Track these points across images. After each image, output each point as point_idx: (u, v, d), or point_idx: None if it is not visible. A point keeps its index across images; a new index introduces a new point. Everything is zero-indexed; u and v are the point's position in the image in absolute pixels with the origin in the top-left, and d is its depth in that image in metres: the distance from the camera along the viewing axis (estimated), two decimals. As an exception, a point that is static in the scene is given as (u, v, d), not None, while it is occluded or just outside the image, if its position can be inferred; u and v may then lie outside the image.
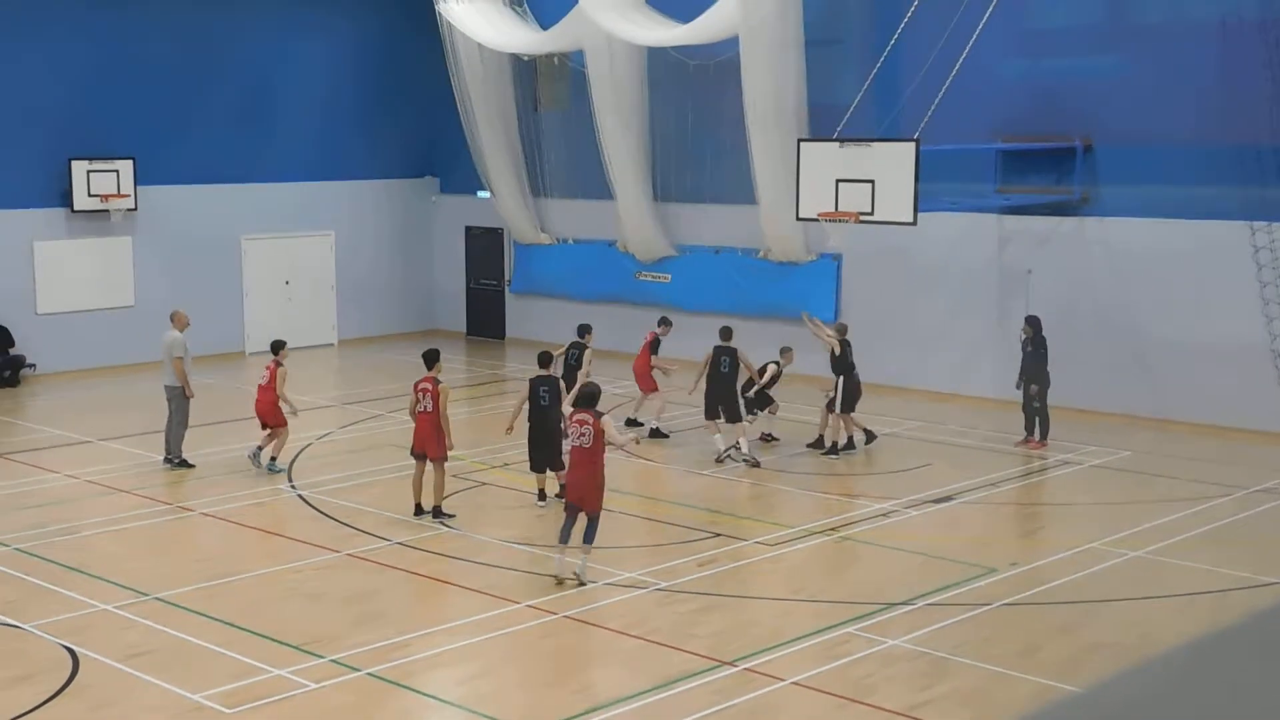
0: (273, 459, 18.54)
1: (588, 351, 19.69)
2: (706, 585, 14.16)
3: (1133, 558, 15.06)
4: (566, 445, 14.91)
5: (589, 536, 13.97)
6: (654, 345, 21.23)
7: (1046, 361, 19.69)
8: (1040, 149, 22.09)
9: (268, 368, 18.55)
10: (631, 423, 20.72)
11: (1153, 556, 15.10)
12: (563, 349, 19.67)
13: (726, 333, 19.91)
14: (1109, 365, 21.78)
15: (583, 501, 14.01)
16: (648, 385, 21.07)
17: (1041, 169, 22.27)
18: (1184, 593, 14.02)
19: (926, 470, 18.50)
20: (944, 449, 19.95)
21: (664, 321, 21.55)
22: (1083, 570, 14.62)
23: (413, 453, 16.30)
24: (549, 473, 16.79)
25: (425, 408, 16.02)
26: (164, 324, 26.84)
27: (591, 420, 13.93)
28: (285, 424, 18.46)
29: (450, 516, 16.08)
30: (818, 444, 19.67)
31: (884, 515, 16.73)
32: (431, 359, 16.48)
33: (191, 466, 18.78)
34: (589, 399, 14.33)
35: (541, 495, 16.86)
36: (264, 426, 18.58)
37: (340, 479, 18.24)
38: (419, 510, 16.22)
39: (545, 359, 17.20)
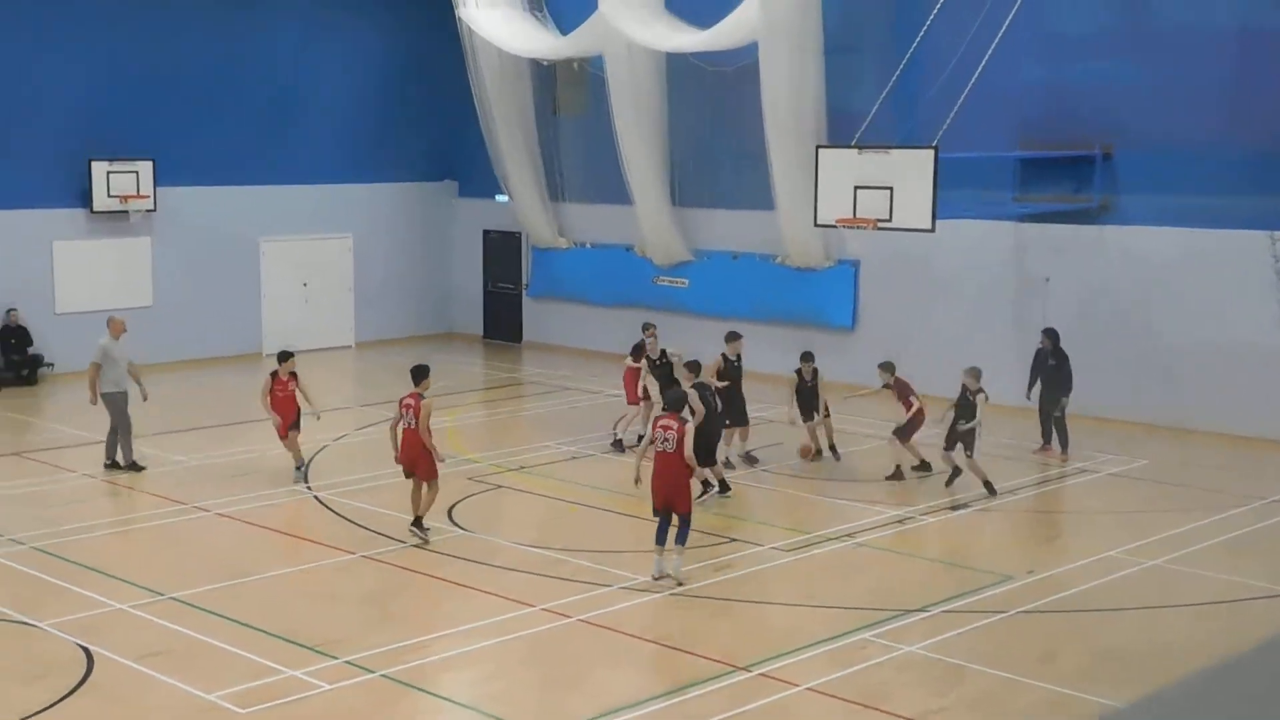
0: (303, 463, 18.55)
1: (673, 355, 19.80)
2: (722, 590, 14.14)
3: (1150, 566, 15.00)
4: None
5: (681, 538, 14.08)
6: (636, 351, 20.29)
7: (1070, 373, 19.65)
8: (1059, 156, 22.03)
9: (282, 379, 18.27)
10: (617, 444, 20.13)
11: (1170, 565, 15.04)
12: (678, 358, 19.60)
13: (808, 356, 19.79)
14: (1127, 373, 21.70)
15: (672, 503, 14.04)
16: (633, 396, 20.23)
17: (1060, 176, 22.20)
18: (1201, 602, 13.95)
19: (943, 477, 18.44)
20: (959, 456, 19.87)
21: (648, 326, 20.67)
22: (1100, 578, 14.56)
23: (405, 472, 15.83)
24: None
25: (409, 424, 15.59)
26: (183, 325, 27.20)
27: (676, 425, 14.02)
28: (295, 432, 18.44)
29: (427, 530, 15.51)
30: (896, 475, 18.68)
31: (900, 522, 16.69)
32: (419, 375, 15.93)
33: (142, 469, 18.80)
34: (676, 403, 14.54)
35: (706, 486, 17.06)
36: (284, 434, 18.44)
37: (356, 481, 18.26)
38: (417, 522, 15.67)
39: (695, 367, 17.76)
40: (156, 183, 26.50)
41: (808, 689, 11.55)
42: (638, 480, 14.70)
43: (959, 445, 17.74)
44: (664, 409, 14.67)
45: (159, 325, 27.08)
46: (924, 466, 18.75)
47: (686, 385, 17.02)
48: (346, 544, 15.42)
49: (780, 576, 14.80)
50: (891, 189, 19.50)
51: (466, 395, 24.99)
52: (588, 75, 28.12)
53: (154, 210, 26.70)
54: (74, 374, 25.52)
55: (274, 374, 18.33)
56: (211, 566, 14.77)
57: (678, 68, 26.18)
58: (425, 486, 15.64)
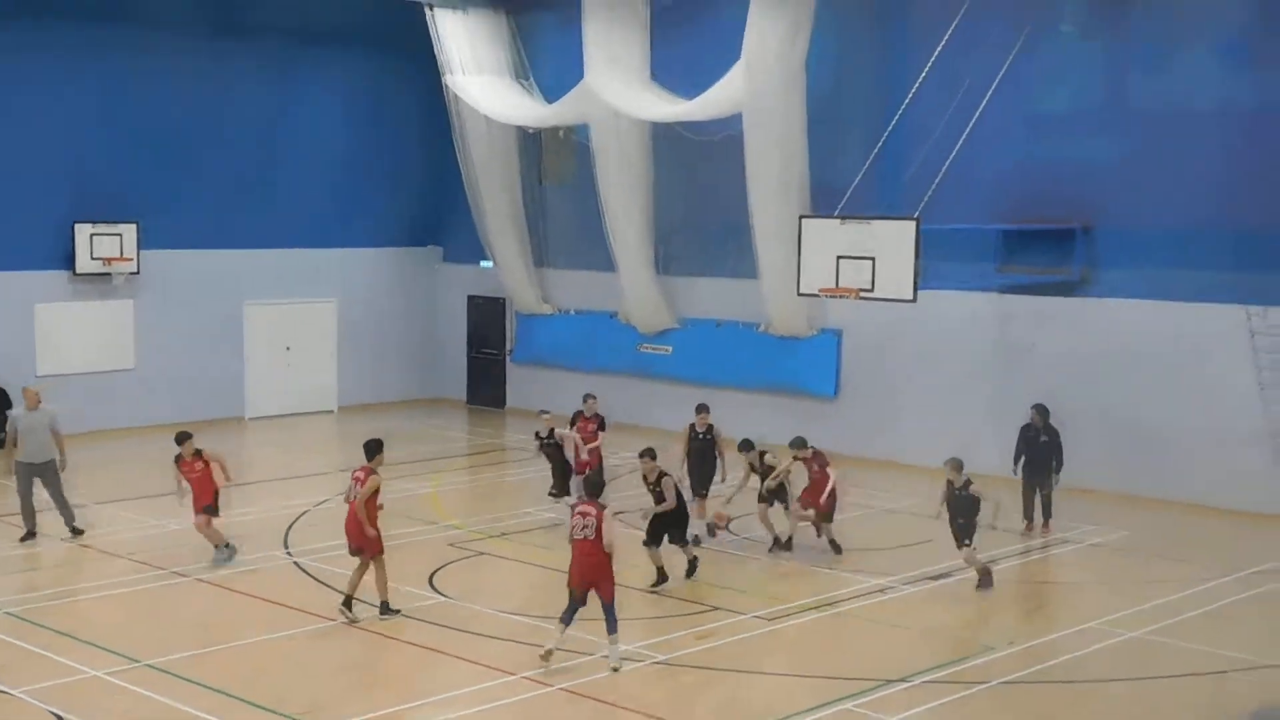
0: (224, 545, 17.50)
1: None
2: (705, 659, 14.07)
3: (1131, 638, 14.96)
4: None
5: (612, 625, 13.67)
6: (573, 421, 20.26)
7: (1061, 448, 19.49)
8: (1040, 230, 22.20)
9: (187, 461, 17.21)
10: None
11: (1152, 637, 15.01)
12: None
13: (702, 407, 19.51)
14: (1108, 444, 21.75)
15: (596, 589, 13.67)
16: (579, 465, 19.65)
17: (1042, 249, 22.36)
18: (1183, 673, 13.92)
19: (925, 547, 18.41)
20: (943, 525, 19.80)
21: (588, 397, 20.82)
22: (1081, 649, 14.53)
23: (350, 550, 15.18)
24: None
25: (353, 497, 14.97)
26: (166, 388, 27.11)
27: (595, 511, 13.69)
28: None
29: (396, 613, 15.04)
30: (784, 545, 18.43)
31: (881, 591, 16.65)
32: (372, 450, 15.17)
33: (81, 532, 18.66)
34: (595, 489, 14.23)
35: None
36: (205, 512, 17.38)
37: (336, 547, 18.10)
38: (348, 603, 14.90)
39: (652, 453, 17.18)
40: (140, 245, 26.52)
41: (789, 760, 11.47)
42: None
43: (974, 541, 16.73)
44: (583, 495, 14.15)
45: (141, 388, 27.02)
46: (787, 545, 18.22)
47: (650, 473, 16.47)
48: (326, 610, 15.31)
49: (762, 646, 14.74)
50: (874, 259, 19.62)
51: (449, 461, 24.92)
52: (574, 143, 28.31)
53: (137, 273, 26.71)
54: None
55: (177, 458, 17.28)
56: (189, 632, 14.65)
57: (663, 137, 26.38)
58: (372, 564, 14.99)
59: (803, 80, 23.84)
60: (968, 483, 16.64)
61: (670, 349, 27.32)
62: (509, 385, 30.56)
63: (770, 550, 18.21)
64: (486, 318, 30.95)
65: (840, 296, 20.34)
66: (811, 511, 18.00)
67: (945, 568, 17.52)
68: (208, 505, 17.21)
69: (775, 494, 18.31)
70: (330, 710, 12.40)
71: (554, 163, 29.34)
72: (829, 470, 18.00)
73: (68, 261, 25.99)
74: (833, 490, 17.91)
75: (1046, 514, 19.66)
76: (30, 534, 18.49)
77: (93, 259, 26.08)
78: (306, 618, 15.20)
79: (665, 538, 16.51)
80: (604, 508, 13.78)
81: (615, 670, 13.52)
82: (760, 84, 23.66)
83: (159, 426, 26.64)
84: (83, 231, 25.91)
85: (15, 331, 25.67)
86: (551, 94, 27.84)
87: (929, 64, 20.95)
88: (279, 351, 29.23)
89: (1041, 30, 22.06)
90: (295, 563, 17.54)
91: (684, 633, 14.89)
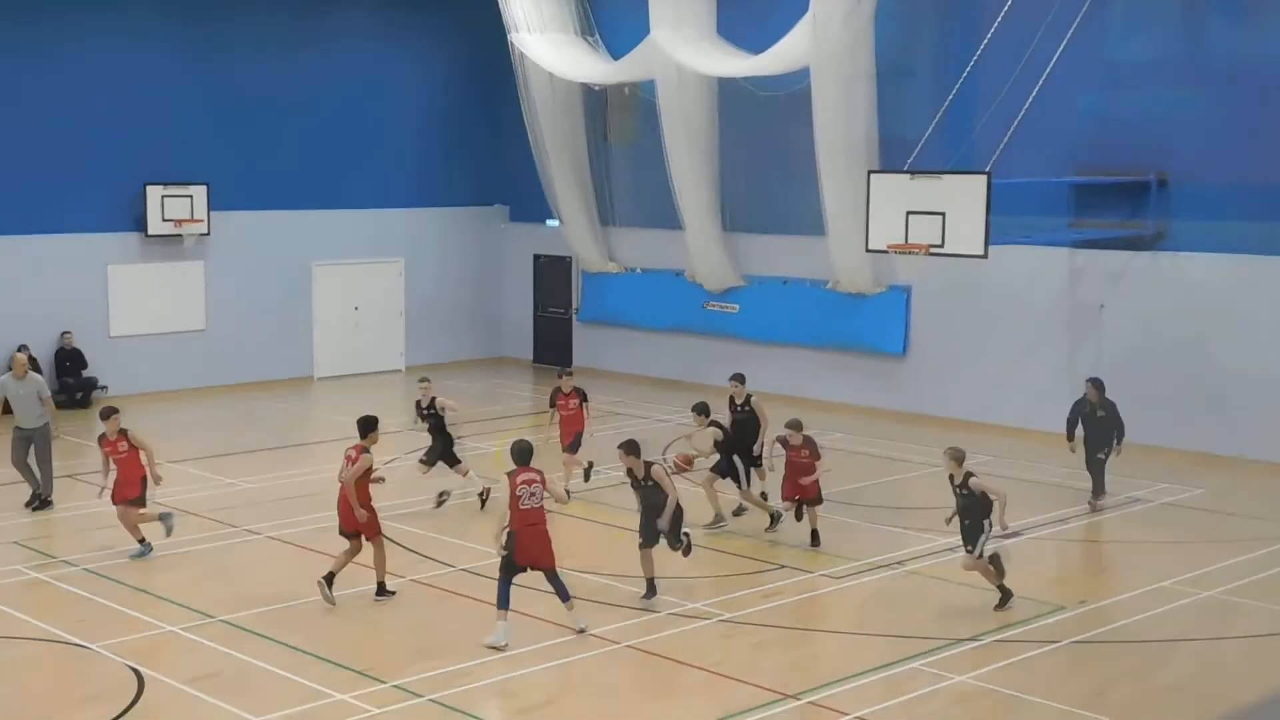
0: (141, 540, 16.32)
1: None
2: (771, 617, 14.04)
3: (1205, 597, 14.78)
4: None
5: (564, 593, 13.36)
6: (552, 398, 19.31)
7: (1121, 421, 18.42)
8: (1114, 183, 21.84)
9: (110, 440, 16.05)
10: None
11: (1226, 596, 14.81)
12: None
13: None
14: (1183, 402, 21.45)
15: (538, 561, 13.26)
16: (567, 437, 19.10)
17: (1115, 203, 22.00)
18: (1257, 634, 13.72)
19: (994, 506, 18.22)
20: (1013, 485, 19.62)
21: (563, 373, 19.78)
22: (1153, 610, 14.37)
23: (342, 531, 14.54)
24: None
25: (344, 476, 14.36)
26: (236, 349, 27.40)
27: (539, 478, 13.31)
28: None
29: (392, 594, 14.48)
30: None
31: (951, 550, 16.50)
32: (366, 426, 14.63)
33: (49, 505, 18.29)
34: (525, 455, 13.46)
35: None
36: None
37: (404, 505, 18.28)
38: (329, 579, 14.26)
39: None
40: (210, 207, 26.74)
41: (857, 718, 11.44)
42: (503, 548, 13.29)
43: (978, 548, 14.35)
44: (517, 464, 13.36)
45: (212, 349, 27.31)
46: (732, 515, 17.51)
47: (637, 469, 14.34)
48: (395, 568, 15.40)
49: (829, 604, 14.69)
50: (944, 215, 19.38)
51: (515, 420, 25.00)
52: (639, 100, 28.17)
53: (208, 235, 26.94)
54: (127, 397, 25.77)
55: (101, 436, 16.24)
56: (262, 590, 14.81)
57: (729, 93, 26.19)
58: (372, 545, 14.38)
59: (871, 34, 23.57)
60: (968, 477, 14.23)
61: (737, 307, 27.20)
62: (575, 344, 30.58)
63: (712, 525, 17.17)
64: (552, 277, 30.96)
65: (909, 252, 20.12)
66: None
67: (1015, 526, 17.34)
68: (135, 497, 16.02)
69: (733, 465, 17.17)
70: (398, 666, 12.50)
71: (619, 120, 29.23)
72: (818, 463, 16.45)
73: (139, 223, 26.26)
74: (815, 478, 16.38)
75: (1100, 489, 18.73)
76: (35, 497, 18.30)
77: (164, 220, 26.33)
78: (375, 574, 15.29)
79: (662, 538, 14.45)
80: (542, 472, 13.34)
81: (582, 631, 13.29)
82: (827, 39, 23.41)
83: (229, 387, 27.05)
84: (154, 193, 26.16)
85: (89, 293, 25.99)
86: (616, 51, 27.71)
87: (1001, 15, 20.59)
88: (347, 311, 29.41)
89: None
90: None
91: (750, 591, 14.86)
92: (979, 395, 23.72)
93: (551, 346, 31.05)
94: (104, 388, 25.88)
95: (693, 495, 16.83)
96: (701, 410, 17.14)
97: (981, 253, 19.34)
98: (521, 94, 28.59)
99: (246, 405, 26.11)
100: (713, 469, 17.28)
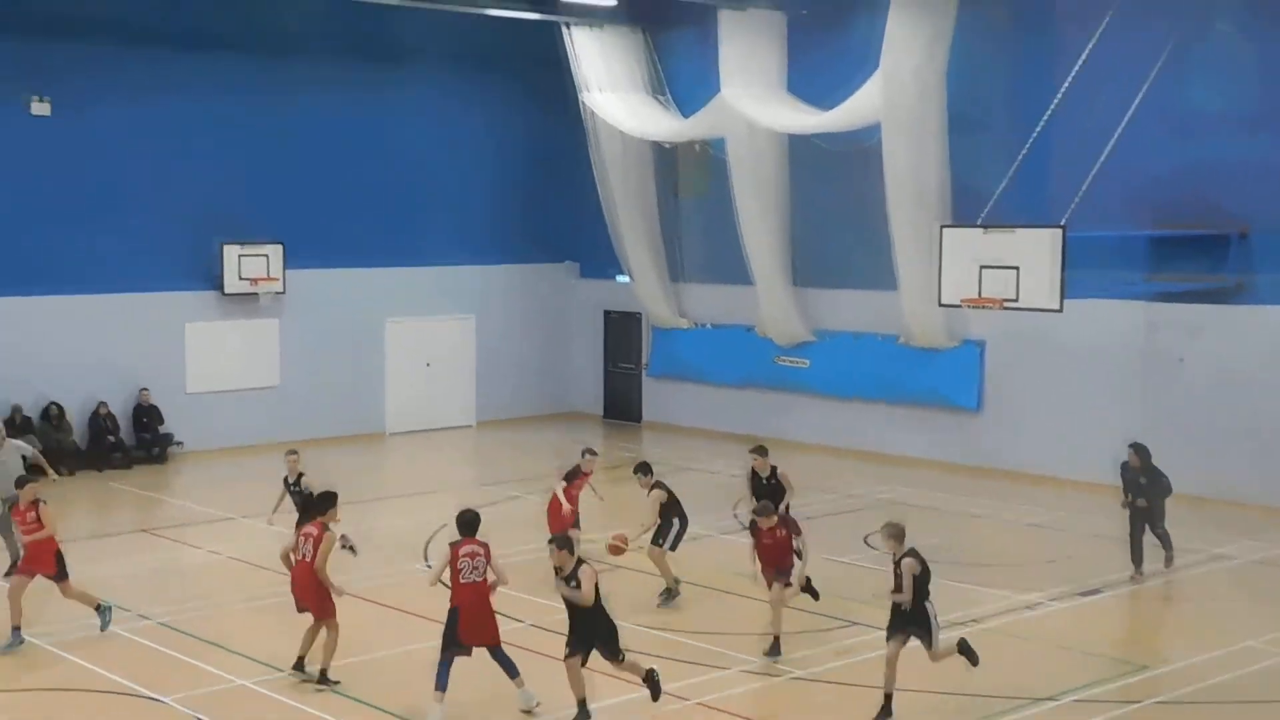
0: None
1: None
2: (844, 675, 13.84)
3: (1294, 658, 14.41)
4: None
5: (512, 669, 12.83)
6: (571, 476, 17.82)
7: (1168, 487, 17.46)
8: (1192, 236, 21.53)
9: (19, 510, 14.97)
10: None
11: (1315, 657, 14.43)
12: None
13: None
14: (1264, 457, 21.01)
15: (483, 639, 12.76)
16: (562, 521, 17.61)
17: (1194, 255, 21.68)
18: (1350, 696, 13.35)
19: (1071, 561, 17.94)
20: (1090, 541, 19.37)
21: (587, 452, 18.09)
22: (1239, 669, 14.02)
23: (299, 608, 13.85)
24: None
25: (305, 554, 13.57)
26: (309, 404, 27.61)
27: (483, 550, 12.86)
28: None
29: (335, 683, 13.50)
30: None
31: (1028, 607, 16.24)
32: (324, 502, 13.93)
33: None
34: (471, 525, 12.98)
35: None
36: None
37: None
38: (299, 664, 13.67)
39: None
40: (286, 265, 27.06)
41: (934, 779, 11.22)
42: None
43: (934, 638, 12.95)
44: (462, 534, 12.86)
45: (286, 404, 27.53)
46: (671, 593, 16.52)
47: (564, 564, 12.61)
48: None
49: (902, 661, 14.43)
50: (1018, 268, 19.24)
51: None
52: (709, 157, 28.24)
53: (283, 292, 27.24)
54: (203, 452, 26.03)
55: (10, 505, 15.49)
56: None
57: (799, 148, 26.19)
58: (324, 629, 13.64)
59: (942, 87, 23.49)
60: (909, 554, 12.84)
61: (808, 362, 27.07)
62: (645, 399, 30.56)
63: (661, 597, 16.47)
64: (622, 332, 31.00)
65: (983, 307, 19.96)
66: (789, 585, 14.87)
67: (1094, 584, 17.04)
68: (51, 574, 14.92)
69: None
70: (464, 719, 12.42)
71: (689, 176, 29.31)
72: (796, 541, 15.00)
73: (216, 281, 26.60)
74: (786, 549, 14.83)
75: (1167, 549, 17.78)
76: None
77: (240, 279, 26.66)
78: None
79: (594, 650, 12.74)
80: (487, 545, 12.91)
81: (530, 713, 12.68)
82: (898, 95, 23.36)
83: (303, 442, 27.16)
84: (231, 252, 26.51)
85: (167, 350, 26.31)
86: (687, 108, 27.83)
87: (1076, 67, 20.45)
88: (419, 367, 29.58)
89: (1195, 29, 21.39)
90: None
91: (823, 648, 14.66)
92: (1054, 450, 23.39)
93: (621, 401, 31.04)
94: (180, 443, 26.15)
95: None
96: (643, 470, 16.55)
97: (1056, 306, 19.16)
98: (592, 151, 28.76)
99: (319, 460, 26.21)
100: (653, 540, 16.48)
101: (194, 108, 26.14)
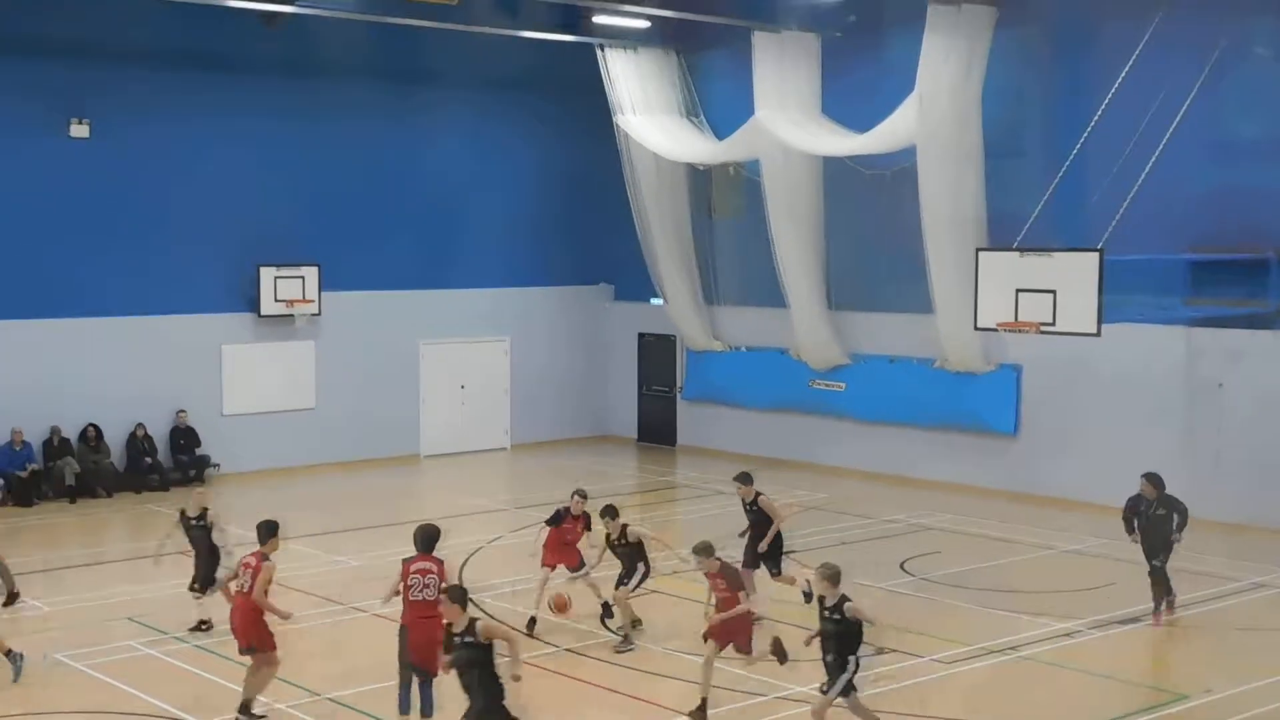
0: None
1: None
2: (881, 703, 13.71)
3: (1337, 688, 14.20)
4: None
5: (429, 706, 12.47)
6: (558, 519, 16.74)
7: (1184, 520, 16.84)
8: (1232, 260, 21.35)
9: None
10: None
11: (1359, 688, 14.22)
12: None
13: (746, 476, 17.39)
14: (1305, 484, 20.78)
15: (427, 663, 12.20)
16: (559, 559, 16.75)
17: (1234, 280, 21.50)
18: (1395, 728, 13.15)
19: (1111, 589, 17.77)
20: (1129, 568, 19.15)
21: (576, 494, 17.01)
22: (1282, 700, 13.83)
23: (241, 649, 13.27)
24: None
25: (243, 586, 13.09)
26: (345, 426, 27.69)
27: (436, 568, 12.56)
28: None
29: (262, 717, 13.07)
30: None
31: (1067, 635, 16.09)
32: (265, 532, 13.37)
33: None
34: (428, 541, 12.65)
35: None
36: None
37: (509, 583, 18.22)
38: (246, 708, 13.04)
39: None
40: (322, 288, 27.16)
41: (972, 810, 11.10)
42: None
43: (835, 686, 12.29)
44: (419, 550, 12.55)
45: (321, 427, 27.60)
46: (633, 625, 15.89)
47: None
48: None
49: (940, 690, 14.33)
50: (1055, 292, 19.13)
51: (621, 499, 24.80)
52: (743, 179, 28.22)
53: (319, 315, 27.34)
54: (239, 474, 26.12)
55: None
56: (367, 668, 14.79)
57: (834, 171, 26.13)
58: (263, 660, 13.08)
59: (978, 111, 23.40)
60: (843, 601, 12.08)
61: (844, 385, 26.96)
62: (679, 423, 30.50)
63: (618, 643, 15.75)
64: (657, 355, 30.97)
65: (1020, 331, 19.84)
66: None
67: (1133, 612, 16.87)
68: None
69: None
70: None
71: (724, 199, 29.30)
72: (740, 594, 13.62)
73: (253, 304, 26.73)
74: (743, 619, 13.57)
75: (1168, 593, 16.94)
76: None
77: (276, 301, 26.78)
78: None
79: None
80: (443, 563, 12.55)
81: None
82: (934, 117, 23.29)
83: (338, 464, 27.30)
84: (267, 275, 26.64)
85: (203, 372, 26.44)
86: (721, 130, 27.82)
87: (1113, 90, 20.35)
88: (453, 390, 29.63)
89: (1233, 53, 21.24)
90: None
91: (859, 675, 14.52)
92: (1092, 475, 23.17)
93: (656, 425, 30.99)
94: (216, 465, 26.25)
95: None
96: (610, 514, 16.01)
97: (1094, 331, 19.04)
98: (626, 174, 28.78)
99: (354, 483, 26.32)
100: (616, 584, 16.07)
101: (232, 131, 26.30)
